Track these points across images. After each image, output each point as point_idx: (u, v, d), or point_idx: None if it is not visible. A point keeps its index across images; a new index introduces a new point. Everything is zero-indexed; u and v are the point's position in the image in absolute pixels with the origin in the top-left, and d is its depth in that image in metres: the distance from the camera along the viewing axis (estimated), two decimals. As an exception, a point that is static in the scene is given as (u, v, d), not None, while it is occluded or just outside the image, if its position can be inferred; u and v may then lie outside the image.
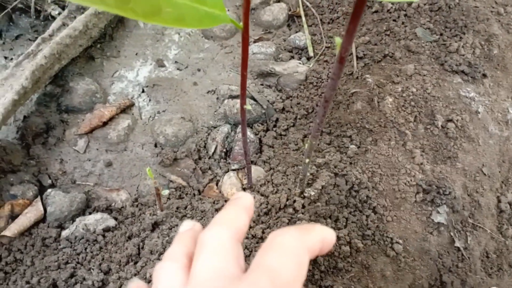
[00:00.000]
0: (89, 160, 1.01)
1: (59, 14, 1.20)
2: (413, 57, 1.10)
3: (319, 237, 0.38)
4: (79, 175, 0.99)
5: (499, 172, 0.95)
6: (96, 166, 1.00)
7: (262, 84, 1.19)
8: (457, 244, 0.84)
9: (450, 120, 0.96)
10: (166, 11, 0.43)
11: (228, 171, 1.02)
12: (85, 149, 1.02)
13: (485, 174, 0.93)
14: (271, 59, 1.24)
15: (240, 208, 0.41)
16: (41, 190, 0.93)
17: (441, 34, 1.13)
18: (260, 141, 1.09)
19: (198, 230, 0.43)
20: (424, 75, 1.04)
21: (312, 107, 1.11)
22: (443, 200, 0.87)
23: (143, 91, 1.16)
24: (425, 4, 1.19)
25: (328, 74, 1.15)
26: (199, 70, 1.22)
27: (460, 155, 0.93)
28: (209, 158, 1.04)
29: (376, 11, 1.24)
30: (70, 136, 1.03)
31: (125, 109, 1.10)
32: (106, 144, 1.03)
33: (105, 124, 1.05)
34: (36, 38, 1.08)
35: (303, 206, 0.85)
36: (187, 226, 0.45)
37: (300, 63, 1.21)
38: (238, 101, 1.11)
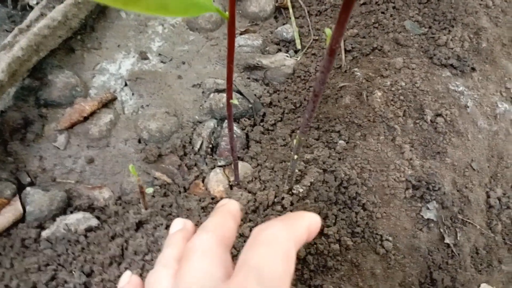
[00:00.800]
0: (70, 157, 0.97)
1: (37, 3, 1.15)
2: (402, 50, 1.08)
3: (305, 226, 0.38)
4: (60, 172, 0.95)
5: (488, 167, 0.95)
6: (77, 163, 0.97)
7: (248, 78, 1.17)
8: (447, 240, 0.84)
9: (439, 115, 0.95)
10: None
11: (214, 168, 1.00)
12: (66, 145, 0.98)
13: (474, 169, 0.92)
14: (257, 52, 1.21)
15: (226, 214, 0.40)
16: (20, 188, 0.89)
17: (430, 27, 1.12)
18: (247, 136, 1.06)
19: (189, 229, 0.43)
20: (413, 69, 1.02)
21: (300, 101, 1.09)
22: (433, 196, 0.86)
23: (125, 85, 1.12)
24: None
25: (316, 67, 1.13)
26: (183, 63, 1.19)
27: (449, 150, 0.92)
28: (195, 154, 1.02)
29: (364, 3, 1.22)
30: (50, 131, 0.99)
31: (107, 103, 1.06)
32: (88, 140, 1.00)
33: (86, 119, 1.01)
34: (13, 28, 1.03)
35: (292, 203, 0.83)
36: (178, 226, 0.44)
37: (287, 56, 1.19)
38: (224, 95, 1.08)
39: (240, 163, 0.96)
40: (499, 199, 0.91)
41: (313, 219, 0.39)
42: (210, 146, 1.02)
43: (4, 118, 0.97)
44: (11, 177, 0.90)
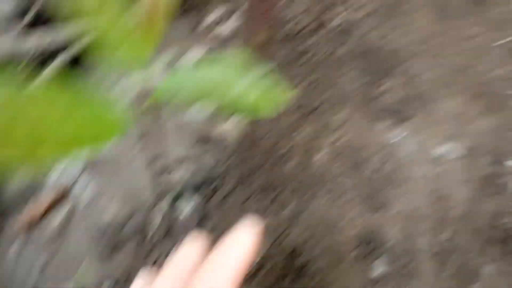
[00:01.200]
0: (26, 262, 0.98)
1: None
2: (344, 104, 1.13)
3: (238, 268, 0.31)
4: (17, 280, 0.96)
5: (433, 211, 0.97)
6: (33, 267, 0.97)
7: (201, 149, 1.20)
8: (400, 294, 0.85)
9: (382, 166, 0.99)
10: (51, 139, 0.41)
11: (172, 248, 1.01)
12: (22, 250, 0.99)
13: (419, 217, 0.95)
14: (208, 123, 1.25)
15: (180, 268, 0.34)
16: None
17: (370, 77, 1.17)
18: (204, 207, 1.08)
19: None
20: (354, 122, 1.07)
21: (251, 167, 1.12)
22: (381, 251, 0.88)
23: (81, 174, 1.14)
24: (354, 48, 1.23)
25: (262, 131, 1.17)
26: (137, 144, 1.22)
27: (394, 200, 0.95)
28: (152, 238, 1.03)
29: (308, 59, 1.28)
30: (5, 237, 1.01)
31: (63, 197, 1.09)
32: (45, 239, 1.01)
33: (42, 218, 1.03)
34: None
35: (244, 279, 0.85)
36: (140, 282, 0.40)
37: (235, 123, 1.23)
38: (177, 172, 1.11)
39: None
40: (447, 241, 0.93)
41: (246, 249, 0.31)
42: (167, 226, 1.04)
43: (-40, 229, 0.98)
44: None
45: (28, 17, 1.40)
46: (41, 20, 1.40)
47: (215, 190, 1.10)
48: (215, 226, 1.03)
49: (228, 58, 0.52)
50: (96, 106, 0.46)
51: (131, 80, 0.45)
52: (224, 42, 1.39)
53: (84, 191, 1.11)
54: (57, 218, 1.03)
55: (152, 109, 0.49)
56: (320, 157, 1.02)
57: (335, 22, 1.30)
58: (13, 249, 0.99)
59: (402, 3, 1.38)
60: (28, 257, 0.99)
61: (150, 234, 1.03)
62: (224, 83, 0.51)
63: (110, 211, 1.03)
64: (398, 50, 1.23)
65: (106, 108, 0.47)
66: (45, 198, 1.05)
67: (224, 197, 1.09)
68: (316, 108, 1.15)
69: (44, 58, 1.30)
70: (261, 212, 1.01)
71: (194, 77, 0.54)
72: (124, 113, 0.47)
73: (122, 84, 1.22)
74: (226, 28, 1.48)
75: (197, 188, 1.11)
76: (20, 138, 0.39)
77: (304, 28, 1.27)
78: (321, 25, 1.29)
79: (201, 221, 1.05)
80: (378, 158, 1.00)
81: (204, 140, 1.19)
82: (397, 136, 1.05)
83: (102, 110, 0.47)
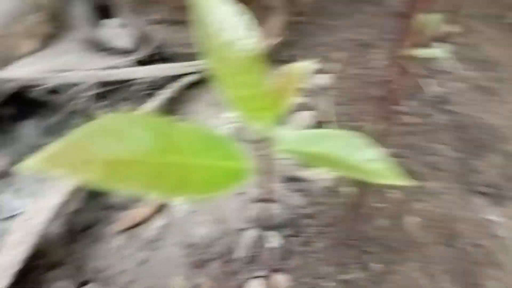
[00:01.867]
0: (125, 258, 1.06)
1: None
2: (437, 174, 1.14)
3: None
4: (114, 272, 1.04)
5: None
6: (130, 264, 1.05)
7: (290, 189, 1.25)
8: None
9: (477, 245, 0.98)
10: (194, 179, 0.44)
11: (254, 277, 1.05)
12: (121, 246, 1.08)
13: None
14: (297, 164, 1.30)
15: None
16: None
17: (464, 152, 1.18)
18: (287, 247, 1.12)
19: None
20: (448, 194, 1.07)
21: (338, 215, 1.14)
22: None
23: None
24: (447, 121, 1.25)
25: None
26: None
27: (488, 283, 0.94)
28: (237, 261, 1.08)
29: (403, 123, 1.31)
30: (108, 233, 1.10)
31: (160, 208, 1.17)
32: (141, 242, 1.09)
33: (141, 222, 1.11)
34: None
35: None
36: None
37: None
38: (269, 205, 1.16)
39: (278, 276, 1.01)
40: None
41: None
42: (252, 254, 1.09)
43: (70, 220, 1.09)
44: (72, 277, 0.99)
45: (144, 52, 1.57)
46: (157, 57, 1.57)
47: (299, 232, 1.14)
48: (296, 266, 1.06)
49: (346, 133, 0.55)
50: (227, 152, 0.50)
51: (252, 131, 0.50)
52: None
53: (179, 207, 1.19)
54: (153, 226, 1.11)
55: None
56: (411, 221, 1.03)
57: (431, 94, 1.33)
58: (116, 243, 1.08)
59: (502, 82, 1.38)
60: (128, 251, 1.07)
61: (235, 259, 1.08)
62: (343, 154, 0.54)
63: (201, 230, 1.09)
64: (496, 129, 1.23)
65: (234, 155, 0.50)
66: (145, 205, 1.14)
67: (308, 241, 1.11)
68: (410, 173, 1.17)
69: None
70: (345, 264, 1.03)
71: (315, 144, 0.56)
72: (248, 162, 0.50)
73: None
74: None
75: (283, 224, 1.15)
76: (171, 179, 0.42)
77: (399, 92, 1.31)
78: (417, 92, 1.32)
79: (283, 258, 1.08)
80: (473, 234, 0.99)
81: (294, 179, 1.24)
82: (495, 215, 1.04)
83: (231, 157, 0.50)
